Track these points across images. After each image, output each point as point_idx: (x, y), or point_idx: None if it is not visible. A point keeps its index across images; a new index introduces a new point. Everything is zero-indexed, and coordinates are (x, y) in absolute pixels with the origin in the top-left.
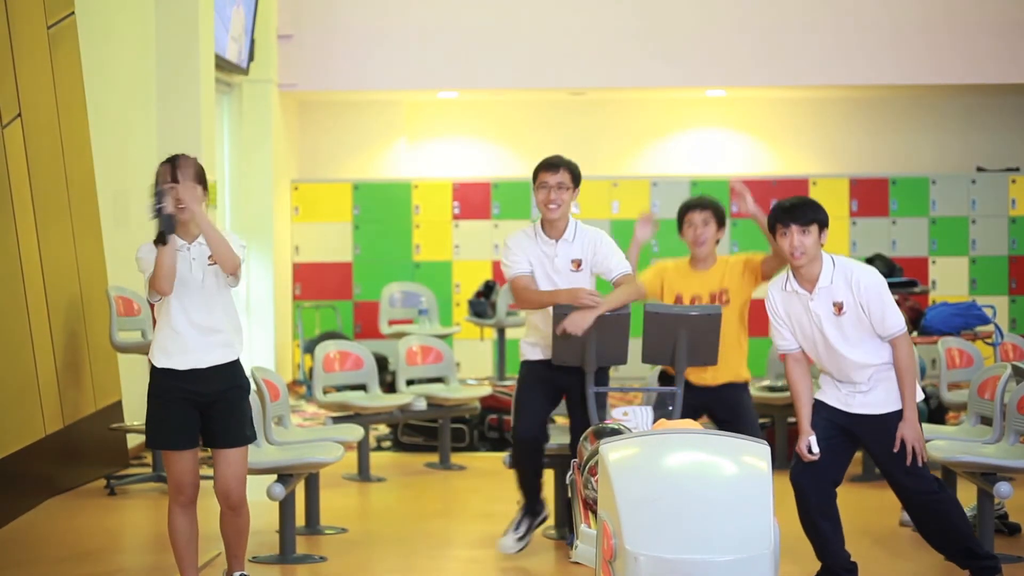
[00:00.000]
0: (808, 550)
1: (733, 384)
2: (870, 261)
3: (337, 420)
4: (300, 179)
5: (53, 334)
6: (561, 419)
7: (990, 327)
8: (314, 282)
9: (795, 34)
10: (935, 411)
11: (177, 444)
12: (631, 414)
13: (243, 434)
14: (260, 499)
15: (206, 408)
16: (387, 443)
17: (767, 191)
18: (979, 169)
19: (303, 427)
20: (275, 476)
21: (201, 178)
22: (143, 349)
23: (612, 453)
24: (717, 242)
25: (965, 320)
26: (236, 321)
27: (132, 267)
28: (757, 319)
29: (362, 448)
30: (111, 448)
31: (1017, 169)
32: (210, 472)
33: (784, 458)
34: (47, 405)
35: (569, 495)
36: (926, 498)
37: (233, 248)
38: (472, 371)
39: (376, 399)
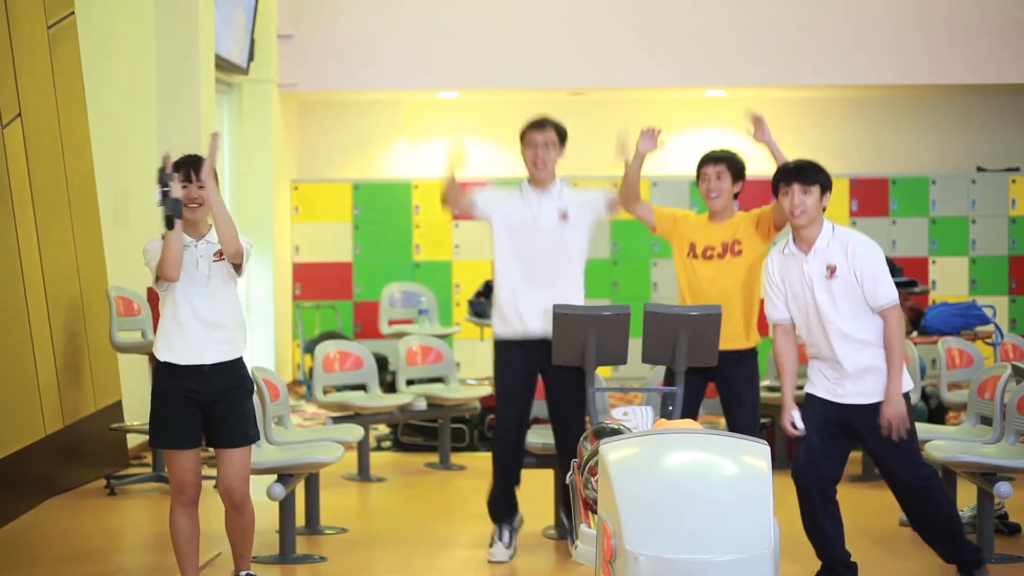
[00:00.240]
0: (808, 550)
1: (737, 353)
2: None
3: (337, 420)
4: (300, 179)
5: (53, 334)
6: None
7: (990, 327)
8: (314, 282)
9: (795, 34)
10: (935, 411)
11: (179, 443)
12: (631, 414)
13: (246, 434)
14: (260, 499)
15: (209, 407)
16: (387, 443)
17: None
18: (979, 169)
19: (303, 427)
20: (275, 476)
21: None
22: (143, 349)
23: (612, 453)
24: (736, 196)
25: (965, 320)
26: (240, 319)
27: (132, 267)
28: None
29: (362, 448)
30: (111, 448)
31: (1017, 169)
32: (212, 472)
33: (784, 458)
34: (47, 405)
35: (569, 495)
36: (920, 483)
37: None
38: (472, 371)
39: (376, 399)
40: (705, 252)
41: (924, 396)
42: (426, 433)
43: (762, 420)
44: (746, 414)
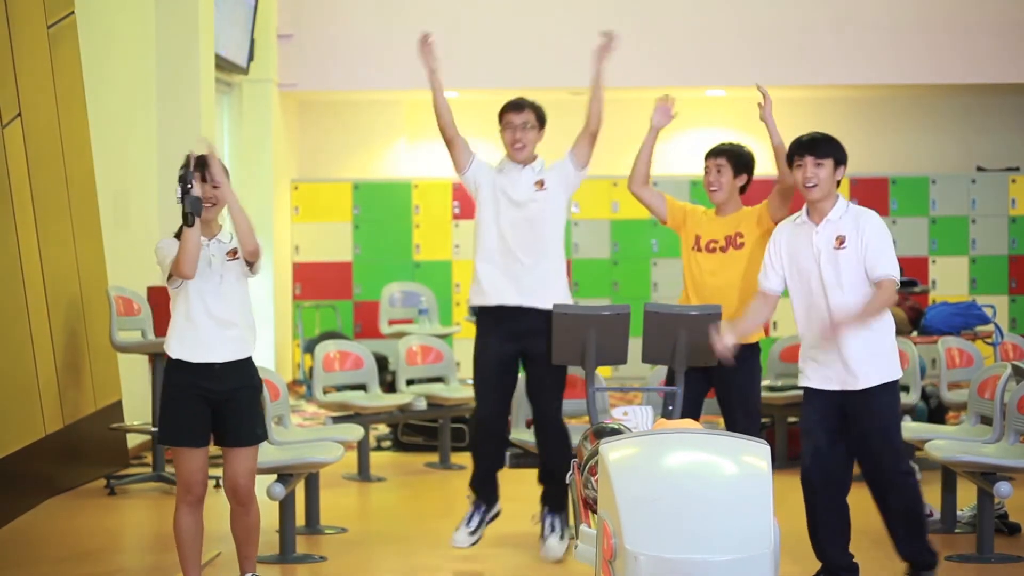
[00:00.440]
0: (808, 550)
1: (736, 348)
2: None
3: (337, 420)
4: (300, 179)
5: (53, 334)
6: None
7: (990, 327)
8: (314, 282)
9: (795, 34)
10: (935, 411)
11: (189, 441)
12: (631, 414)
13: (255, 433)
14: (260, 499)
15: (219, 406)
16: (387, 443)
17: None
18: (979, 169)
19: (303, 427)
20: (275, 476)
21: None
22: (143, 349)
23: (612, 453)
24: (742, 190)
25: (965, 320)
26: (251, 318)
27: (132, 267)
28: None
29: (362, 448)
30: (111, 448)
31: (1017, 169)
32: (215, 472)
33: (784, 458)
34: (47, 405)
35: (569, 495)
36: (900, 479)
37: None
38: (472, 371)
39: (376, 399)
40: (708, 245)
41: (924, 396)
42: (426, 433)
43: (762, 420)
44: (747, 414)
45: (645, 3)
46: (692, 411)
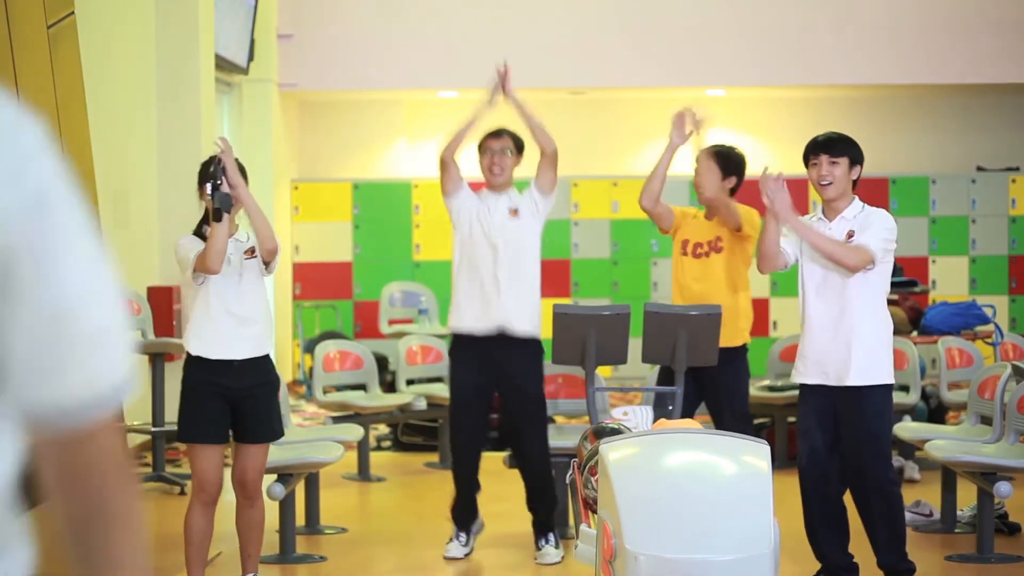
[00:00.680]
0: (808, 550)
1: (722, 351)
2: None
3: (337, 420)
4: (300, 179)
5: None
6: (561, 419)
7: (990, 327)
8: (314, 282)
9: (795, 34)
10: (935, 411)
11: (208, 437)
12: (631, 414)
13: (272, 429)
14: None
15: (237, 403)
16: (387, 443)
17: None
18: (979, 169)
19: (303, 427)
20: (275, 476)
21: (243, 170)
22: (143, 349)
23: (612, 453)
24: (732, 192)
25: (965, 320)
26: (269, 316)
27: (132, 267)
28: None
29: (362, 448)
30: None
31: (1017, 169)
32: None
33: (784, 458)
34: None
35: (569, 495)
36: (885, 486)
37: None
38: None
39: (376, 399)
40: (695, 250)
41: (924, 396)
42: (426, 433)
43: (762, 420)
44: (735, 416)
45: (645, 3)
46: (687, 412)
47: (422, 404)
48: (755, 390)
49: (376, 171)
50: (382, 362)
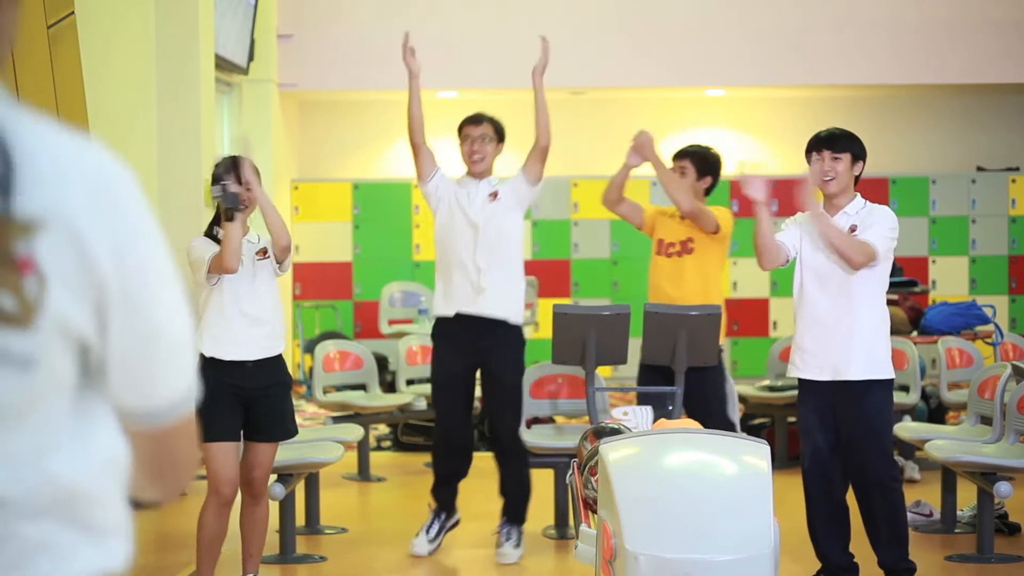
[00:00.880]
0: (808, 550)
1: (696, 370)
2: None
3: (337, 420)
4: (300, 179)
5: None
6: (561, 419)
7: (990, 327)
8: (314, 282)
9: (795, 34)
10: (935, 411)
11: (222, 436)
12: (631, 414)
13: (285, 429)
14: None
15: (250, 403)
16: (387, 443)
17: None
18: (979, 169)
19: (303, 427)
20: (275, 476)
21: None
22: None
23: (612, 453)
24: (708, 192)
25: (965, 320)
26: (281, 316)
27: None
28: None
29: (362, 448)
30: None
31: (1017, 169)
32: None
33: (784, 458)
34: None
35: (569, 495)
36: (887, 482)
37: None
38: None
39: (376, 399)
40: (667, 249)
41: (924, 396)
42: (426, 433)
43: (762, 420)
44: (711, 417)
45: (645, 3)
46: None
47: (422, 404)
48: (755, 390)
49: (376, 171)
50: (382, 362)
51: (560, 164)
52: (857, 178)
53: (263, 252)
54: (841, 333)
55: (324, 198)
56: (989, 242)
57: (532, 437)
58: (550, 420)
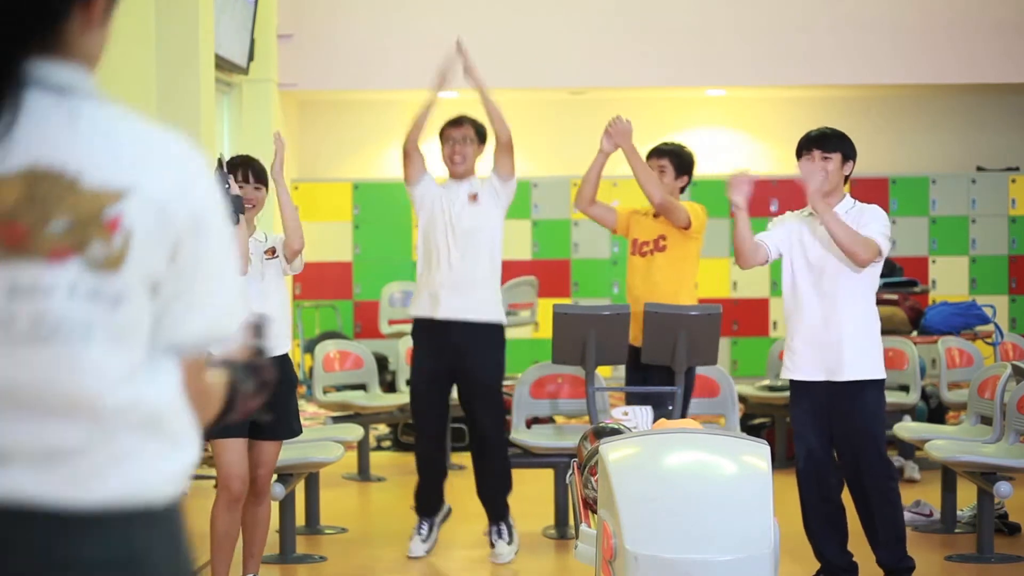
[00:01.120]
0: (808, 550)
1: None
2: None
3: (337, 420)
4: (300, 179)
5: None
6: (561, 419)
7: (990, 327)
8: (314, 282)
9: (795, 34)
10: (935, 411)
11: (231, 432)
12: (631, 414)
13: (290, 427)
14: None
15: None
16: (387, 443)
17: (767, 191)
18: (979, 169)
19: (303, 427)
20: (275, 476)
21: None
22: None
23: (612, 453)
24: (682, 190)
25: (965, 320)
26: (288, 315)
27: None
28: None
29: (362, 448)
30: None
31: (1017, 169)
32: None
33: (784, 458)
34: None
35: (569, 495)
36: (883, 483)
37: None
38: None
39: (376, 399)
40: (641, 248)
41: (924, 396)
42: None
43: (762, 420)
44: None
45: (645, 3)
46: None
47: None
48: (755, 390)
49: (376, 171)
50: (382, 362)
51: (560, 164)
52: (847, 178)
53: (271, 251)
54: (832, 334)
55: (324, 198)
56: (989, 242)
57: (532, 437)
58: (550, 420)
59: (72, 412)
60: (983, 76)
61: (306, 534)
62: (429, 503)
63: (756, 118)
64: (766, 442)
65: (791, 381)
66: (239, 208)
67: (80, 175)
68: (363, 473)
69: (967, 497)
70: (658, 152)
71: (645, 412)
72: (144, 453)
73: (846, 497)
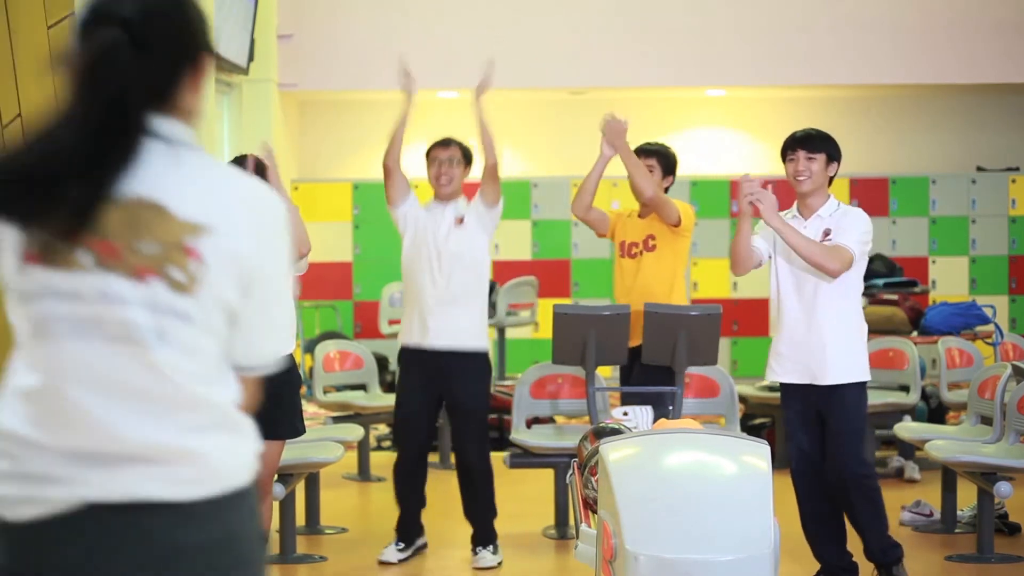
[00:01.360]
0: (808, 551)
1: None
2: (870, 261)
3: (337, 420)
4: (300, 179)
5: None
6: (561, 419)
7: (990, 327)
8: (314, 282)
9: (795, 34)
10: (935, 411)
11: None
12: (631, 414)
13: (293, 427)
14: None
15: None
16: (387, 443)
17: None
18: (979, 169)
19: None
20: (275, 475)
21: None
22: None
23: (612, 453)
24: (666, 191)
25: (965, 320)
26: (293, 315)
27: None
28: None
29: (362, 448)
30: None
31: (1017, 169)
32: None
33: (784, 458)
34: None
35: (569, 495)
36: (860, 480)
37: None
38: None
39: (376, 399)
40: (630, 250)
41: (924, 396)
42: None
43: (762, 420)
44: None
45: (645, 3)
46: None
47: None
48: (755, 390)
49: (376, 171)
50: (382, 362)
51: (560, 164)
52: (831, 179)
53: None
54: (815, 338)
55: (324, 198)
56: (989, 242)
57: (532, 437)
58: (550, 420)
59: (169, 409)
60: (983, 76)
61: (306, 534)
62: (408, 534)
63: (756, 118)
64: (766, 442)
65: (781, 384)
66: None
67: (171, 209)
68: (363, 473)
69: (967, 497)
70: (644, 152)
71: (645, 412)
72: (226, 446)
73: None
